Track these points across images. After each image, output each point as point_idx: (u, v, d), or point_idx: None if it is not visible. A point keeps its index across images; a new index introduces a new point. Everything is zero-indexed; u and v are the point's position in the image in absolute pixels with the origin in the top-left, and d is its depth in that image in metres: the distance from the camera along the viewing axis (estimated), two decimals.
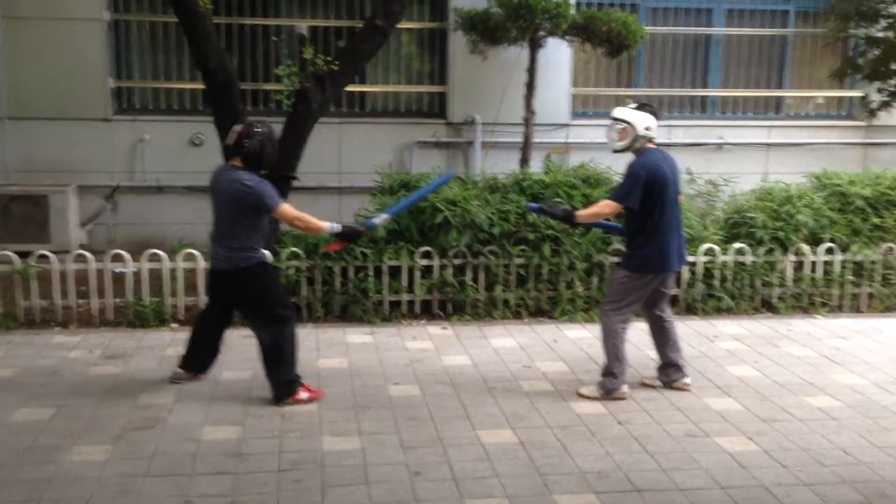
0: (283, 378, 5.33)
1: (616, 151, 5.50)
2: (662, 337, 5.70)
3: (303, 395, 5.34)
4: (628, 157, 5.50)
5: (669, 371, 5.70)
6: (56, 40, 9.44)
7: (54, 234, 8.91)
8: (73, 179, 9.46)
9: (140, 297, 7.07)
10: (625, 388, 5.51)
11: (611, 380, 5.49)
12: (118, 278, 7.26)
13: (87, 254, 7.10)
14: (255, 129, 5.20)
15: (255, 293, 5.31)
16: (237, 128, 5.26)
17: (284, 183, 5.54)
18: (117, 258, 7.07)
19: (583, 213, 5.58)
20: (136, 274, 7.10)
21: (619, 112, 5.43)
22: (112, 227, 9.72)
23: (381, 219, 5.79)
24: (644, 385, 5.72)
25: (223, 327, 5.65)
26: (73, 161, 9.55)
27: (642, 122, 5.33)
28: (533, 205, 6.00)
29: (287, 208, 5.23)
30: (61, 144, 9.55)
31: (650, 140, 5.39)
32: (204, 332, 5.64)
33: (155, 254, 7.13)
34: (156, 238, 9.36)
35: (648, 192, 5.26)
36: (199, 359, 5.68)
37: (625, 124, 5.36)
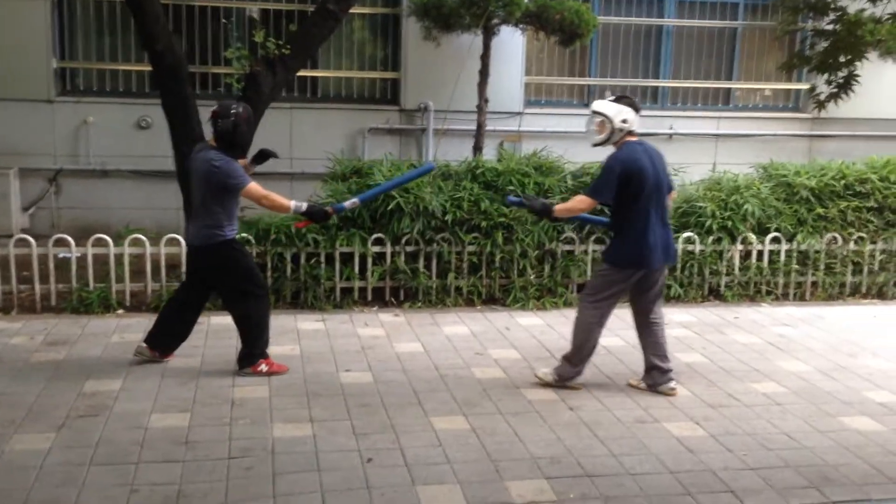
0: (247, 349, 5.49)
1: (595, 145, 5.37)
2: (647, 340, 5.54)
3: (262, 367, 5.49)
4: (581, 147, 5.50)
5: (654, 374, 5.52)
6: None
7: None
8: (14, 162, 9.22)
9: (85, 283, 6.91)
10: (579, 380, 5.51)
11: (568, 368, 5.47)
12: (61, 264, 7.10)
13: (30, 238, 6.91)
14: (231, 110, 5.23)
15: (225, 269, 5.43)
16: (214, 107, 5.29)
17: (262, 159, 5.59)
18: (61, 243, 6.89)
19: (560, 208, 5.45)
20: (81, 259, 6.93)
21: (596, 105, 5.32)
22: (55, 211, 9.50)
23: (350, 202, 5.72)
24: (630, 386, 5.58)
25: (197, 308, 5.67)
26: (15, 143, 9.30)
27: (619, 114, 5.21)
28: (512, 198, 5.88)
29: (254, 187, 5.26)
30: (2, 126, 9.29)
31: (630, 133, 5.26)
32: (175, 310, 5.65)
33: (100, 238, 6.97)
34: (101, 223, 9.18)
35: (625, 185, 5.13)
36: (166, 337, 5.65)
37: (602, 117, 5.25)
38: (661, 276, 5.48)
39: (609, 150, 5.38)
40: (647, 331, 5.53)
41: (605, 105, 5.29)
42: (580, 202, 5.35)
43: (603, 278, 5.40)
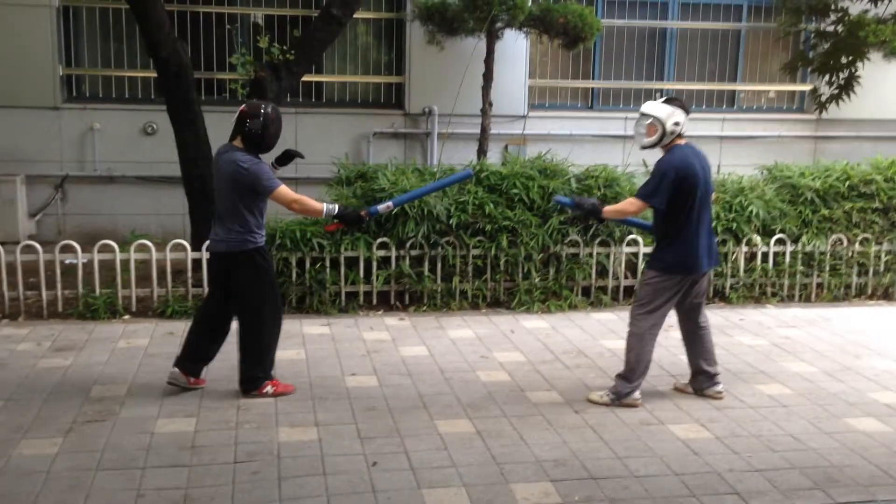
0: (252, 371, 5.22)
1: (644, 148, 5.25)
2: (695, 345, 5.44)
3: (268, 388, 5.23)
4: (585, 150, 5.48)
5: (700, 378, 5.44)
6: (3, 26, 9.23)
7: (2, 225, 8.73)
8: (21, 169, 9.27)
9: (91, 289, 6.94)
10: (637, 395, 5.27)
11: (625, 384, 5.25)
12: (68, 270, 7.13)
13: (36, 245, 6.94)
14: (261, 109, 4.98)
15: (247, 279, 5.14)
16: (242, 106, 5.03)
17: (286, 160, 5.36)
18: (67, 249, 6.93)
19: (609, 209, 5.30)
20: (88, 265, 6.97)
21: (647, 107, 5.15)
22: (61, 217, 9.54)
23: (384, 206, 5.52)
24: (676, 390, 5.55)
25: (226, 325, 5.34)
26: (22, 150, 9.35)
27: (671, 116, 5.06)
28: (561, 198, 5.71)
29: (284, 190, 5.03)
30: (9, 133, 9.34)
31: (680, 136, 5.13)
32: (204, 328, 5.32)
33: (106, 244, 7.00)
34: (107, 229, 9.23)
35: (677, 190, 5.01)
36: (199, 361, 5.35)
37: (653, 119, 5.09)
38: (707, 280, 5.42)
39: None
40: (696, 336, 5.44)
41: (656, 107, 5.12)
42: (630, 204, 5.20)
43: (653, 287, 5.19)
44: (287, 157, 5.37)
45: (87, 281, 6.98)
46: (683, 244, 5.11)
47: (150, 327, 6.69)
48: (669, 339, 6.65)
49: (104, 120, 9.54)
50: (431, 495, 4.05)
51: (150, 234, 8.71)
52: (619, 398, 5.25)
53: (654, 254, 5.29)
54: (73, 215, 9.56)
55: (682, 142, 5.16)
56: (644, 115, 5.16)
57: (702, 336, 5.44)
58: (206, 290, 5.64)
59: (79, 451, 4.45)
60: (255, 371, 5.23)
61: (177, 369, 5.31)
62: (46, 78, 9.38)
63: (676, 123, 5.08)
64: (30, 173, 9.31)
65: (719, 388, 5.44)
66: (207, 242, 5.39)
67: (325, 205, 5.17)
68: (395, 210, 6.94)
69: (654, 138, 5.13)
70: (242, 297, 5.19)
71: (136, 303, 7.04)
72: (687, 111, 5.14)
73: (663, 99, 5.23)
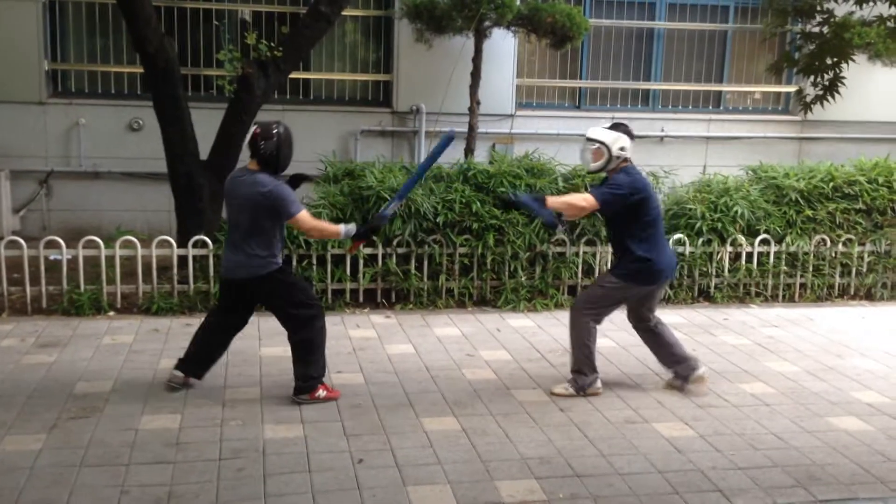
0: (308, 373, 5.15)
1: (590, 172, 5.36)
2: (657, 344, 5.59)
3: (321, 392, 5.17)
4: (572, 150, 5.51)
5: (679, 369, 5.55)
6: None
7: None
8: (5, 164, 9.21)
9: (76, 285, 6.91)
10: (598, 384, 5.43)
11: (581, 377, 5.40)
12: (52, 266, 7.10)
13: (20, 240, 6.91)
14: (272, 131, 4.92)
15: (279, 297, 5.11)
16: (254, 128, 4.97)
17: (297, 183, 5.25)
18: (51, 245, 6.89)
19: (556, 199, 5.22)
20: (72, 261, 6.94)
21: (592, 132, 5.26)
22: (46, 213, 9.48)
23: (392, 207, 5.50)
24: (668, 387, 5.61)
25: (233, 334, 5.36)
26: (6, 145, 9.29)
27: (616, 141, 5.18)
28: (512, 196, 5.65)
29: (306, 216, 4.97)
30: None
31: (625, 160, 5.24)
32: (215, 335, 5.31)
33: (91, 240, 6.97)
34: (92, 225, 9.18)
35: (638, 206, 5.15)
36: (205, 364, 5.33)
37: (598, 144, 5.20)
38: (661, 291, 5.58)
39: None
40: (654, 335, 5.57)
41: (601, 132, 5.22)
42: (583, 199, 5.18)
43: (609, 290, 5.35)
44: (298, 180, 5.26)
45: (72, 277, 6.95)
46: (653, 257, 5.24)
47: (135, 324, 6.67)
48: None
49: (90, 115, 9.49)
50: (417, 492, 4.06)
51: (136, 230, 8.68)
52: (583, 390, 5.40)
53: (624, 264, 5.33)
54: (58, 211, 9.51)
55: (628, 165, 5.27)
56: (590, 140, 5.25)
57: (661, 331, 5.57)
58: (217, 302, 5.56)
59: (63, 447, 4.44)
60: (313, 372, 5.16)
61: (180, 373, 5.28)
62: (32, 73, 9.32)
63: (622, 148, 5.20)
64: (14, 168, 9.24)
65: (701, 370, 5.53)
66: (222, 265, 5.27)
67: (342, 227, 5.13)
68: (367, 206, 7.06)
69: (600, 163, 5.23)
70: (281, 313, 5.16)
71: (121, 299, 7.02)
72: (632, 137, 5.26)
73: (609, 125, 5.32)
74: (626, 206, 5.15)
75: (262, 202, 4.89)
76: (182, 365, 5.30)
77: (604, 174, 5.39)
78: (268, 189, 4.87)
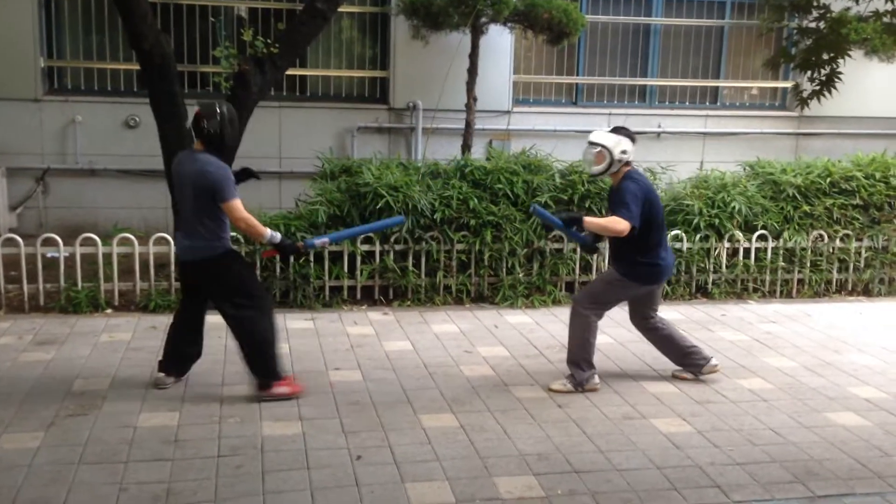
0: (261, 373, 5.11)
1: (593, 175, 5.48)
2: (664, 341, 5.68)
3: (281, 388, 5.10)
4: (569, 146, 5.54)
5: (688, 360, 5.64)
6: None
7: None
8: (1, 162, 9.20)
9: (73, 283, 6.90)
10: (596, 379, 5.46)
11: (579, 372, 5.44)
12: (49, 263, 7.09)
13: (17, 238, 6.89)
14: (215, 110, 4.92)
15: (223, 283, 5.06)
16: (196, 109, 4.96)
17: (244, 177, 5.21)
18: (49, 242, 6.88)
19: (592, 222, 5.29)
20: (70, 259, 6.93)
21: (595, 136, 5.33)
22: (43, 210, 9.46)
23: (321, 241, 5.52)
24: (675, 377, 5.70)
25: (201, 321, 5.32)
26: (2, 142, 9.27)
27: (618, 145, 5.25)
28: (548, 215, 5.63)
29: (238, 205, 4.90)
30: None
31: (627, 164, 5.32)
32: (183, 331, 5.30)
33: (88, 238, 6.96)
34: (89, 222, 9.17)
35: (649, 208, 5.25)
36: (183, 362, 5.35)
37: (601, 148, 5.26)
38: (660, 290, 5.72)
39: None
40: (657, 330, 5.66)
41: (603, 136, 5.31)
42: (617, 223, 5.16)
43: (610, 287, 5.44)
44: (245, 174, 5.25)
45: (69, 274, 6.94)
46: (655, 257, 5.37)
47: (132, 321, 6.66)
48: None
49: (86, 112, 9.47)
50: (415, 489, 4.06)
51: (133, 227, 8.66)
52: (581, 385, 5.43)
53: (623, 262, 5.41)
54: (55, 208, 9.49)
55: (628, 169, 5.36)
56: (592, 143, 5.32)
57: (664, 326, 5.69)
58: (180, 293, 5.52)
59: (61, 444, 4.43)
60: (263, 373, 5.11)
61: (163, 374, 5.28)
62: (28, 70, 9.29)
63: (624, 152, 5.28)
64: (11, 166, 9.23)
65: (714, 361, 5.66)
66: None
67: (269, 231, 5.05)
68: (364, 202, 7.11)
69: (602, 166, 5.31)
70: (223, 301, 5.09)
71: (119, 297, 7.01)
72: (633, 140, 5.33)
73: (611, 128, 5.43)
74: (646, 208, 5.25)
75: (202, 182, 4.87)
76: (162, 365, 5.32)
77: (607, 178, 5.48)
78: (211, 170, 4.86)
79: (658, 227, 5.38)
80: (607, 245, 5.76)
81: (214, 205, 4.92)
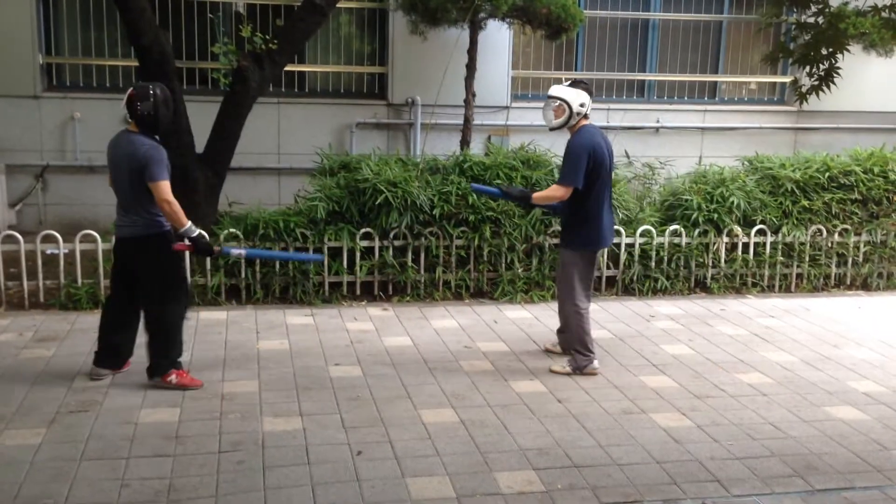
0: (159, 355, 5.19)
1: (552, 129, 5.63)
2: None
3: (172, 377, 5.17)
4: (567, 141, 5.56)
5: (561, 337, 6.02)
6: None
7: None
8: (0, 158, 9.18)
9: (73, 279, 6.91)
10: (595, 364, 5.64)
11: (580, 357, 5.62)
12: (49, 260, 7.09)
13: (17, 234, 6.90)
14: (149, 91, 4.97)
15: (151, 264, 5.15)
16: (129, 90, 5.01)
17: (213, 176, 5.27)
18: (48, 239, 6.88)
19: (539, 195, 5.64)
20: (69, 255, 6.93)
21: (554, 90, 5.53)
22: (42, 207, 9.46)
23: (237, 252, 5.69)
24: (546, 350, 6.01)
25: (136, 309, 5.29)
26: (1, 139, 9.26)
27: (577, 98, 5.45)
28: (485, 187, 6.04)
29: (165, 186, 4.93)
30: None
31: (585, 116, 5.51)
32: (110, 319, 5.32)
33: (88, 234, 6.96)
34: (88, 219, 9.17)
35: (588, 169, 5.39)
36: (116, 352, 5.35)
37: (560, 101, 5.47)
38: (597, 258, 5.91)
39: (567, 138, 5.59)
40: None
41: (563, 90, 5.48)
42: (557, 190, 5.49)
43: (570, 267, 5.62)
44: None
45: (69, 271, 6.94)
46: (594, 221, 5.53)
47: None
48: (652, 328, 6.72)
49: (85, 109, 9.46)
50: (415, 484, 4.07)
51: None
52: (580, 369, 5.60)
53: (568, 234, 5.62)
54: (54, 205, 9.49)
55: (586, 122, 5.53)
56: (552, 97, 5.52)
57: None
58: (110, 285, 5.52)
59: (62, 441, 4.44)
60: (161, 357, 5.19)
61: (96, 367, 5.33)
62: (26, 66, 9.28)
63: (582, 105, 5.47)
64: (10, 163, 9.22)
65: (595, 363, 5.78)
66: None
67: (189, 223, 5.07)
68: (363, 199, 7.15)
69: (562, 119, 5.50)
70: (145, 282, 5.18)
71: None
72: (591, 94, 5.55)
73: (569, 82, 5.58)
74: (589, 167, 5.37)
75: (135, 163, 4.95)
76: (96, 357, 5.34)
77: (566, 132, 5.62)
78: (143, 150, 4.94)
79: (597, 188, 5.46)
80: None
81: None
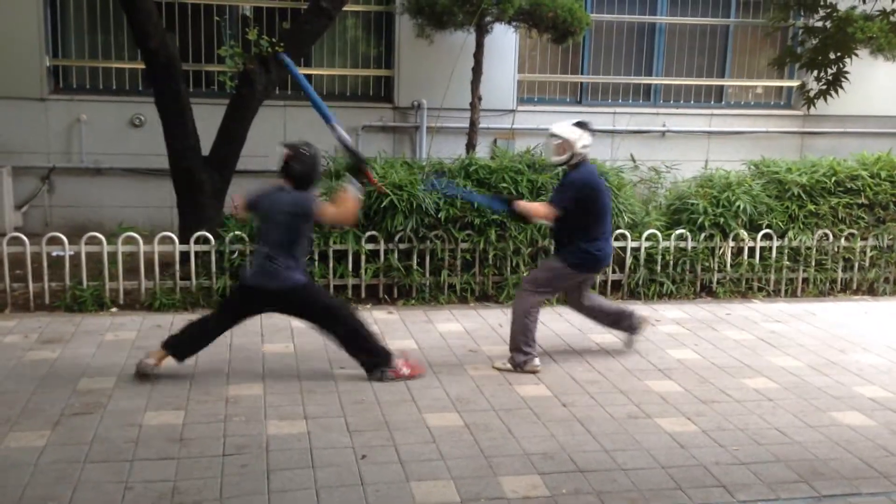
0: (365, 357, 5.46)
1: (553, 165, 5.85)
2: (602, 313, 6.14)
3: (403, 370, 5.49)
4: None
5: (624, 320, 6.16)
6: None
7: None
8: (7, 160, 9.21)
9: (79, 281, 6.92)
10: (537, 361, 5.74)
11: (519, 355, 5.73)
12: (55, 262, 7.10)
13: (23, 236, 6.91)
14: (302, 152, 5.24)
15: (315, 303, 5.42)
16: (284, 151, 5.25)
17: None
18: (54, 241, 6.90)
19: (523, 205, 5.81)
20: (75, 257, 6.94)
21: (557, 129, 5.65)
22: (48, 209, 9.48)
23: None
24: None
25: (227, 329, 5.56)
26: (8, 141, 9.29)
27: (580, 140, 5.58)
28: (435, 182, 6.27)
29: (325, 207, 5.29)
30: None
31: (585, 157, 5.67)
32: (210, 331, 5.46)
33: (94, 236, 6.97)
34: (94, 221, 9.19)
35: (584, 200, 5.57)
36: (189, 348, 5.47)
37: (562, 140, 5.60)
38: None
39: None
40: (597, 310, 6.12)
41: (566, 129, 5.62)
42: (544, 206, 5.70)
43: (553, 273, 5.78)
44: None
45: (75, 273, 6.96)
46: (597, 247, 5.69)
47: (137, 320, 6.67)
48: (658, 332, 6.70)
49: (91, 111, 9.48)
50: (420, 488, 4.06)
51: (138, 226, 8.63)
52: (521, 366, 5.72)
53: (565, 251, 5.75)
54: (60, 207, 9.51)
55: (583, 161, 5.69)
56: (554, 135, 5.64)
57: (597, 305, 6.14)
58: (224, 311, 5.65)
59: (66, 443, 4.44)
60: (378, 352, 5.48)
61: (163, 350, 5.37)
62: (33, 69, 9.31)
63: (584, 146, 5.63)
64: (16, 165, 9.24)
65: (638, 317, 6.17)
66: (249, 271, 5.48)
67: (350, 189, 5.33)
68: (368, 202, 7.14)
69: (563, 157, 5.65)
70: (319, 318, 5.43)
71: (124, 295, 7.02)
72: (593, 134, 5.73)
73: (574, 122, 5.70)
74: (577, 201, 5.56)
75: (298, 208, 5.21)
76: (171, 343, 5.41)
77: (564, 167, 5.79)
78: (306, 199, 5.25)
79: (597, 217, 5.66)
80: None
81: (309, 227, 5.35)
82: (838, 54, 5.61)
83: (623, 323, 6.16)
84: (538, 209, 5.75)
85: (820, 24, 5.70)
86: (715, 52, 11.09)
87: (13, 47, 9.19)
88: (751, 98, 11.41)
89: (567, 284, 5.90)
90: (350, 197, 5.30)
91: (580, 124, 5.65)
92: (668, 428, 4.87)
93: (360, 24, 10.25)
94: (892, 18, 5.63)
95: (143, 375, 5.32)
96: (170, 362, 5.40)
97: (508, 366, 5.75)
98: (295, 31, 7.61)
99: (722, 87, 11.18)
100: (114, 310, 6.91)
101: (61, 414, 4.81)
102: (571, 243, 5.69)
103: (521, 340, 5.72)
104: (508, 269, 7.49)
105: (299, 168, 5.21)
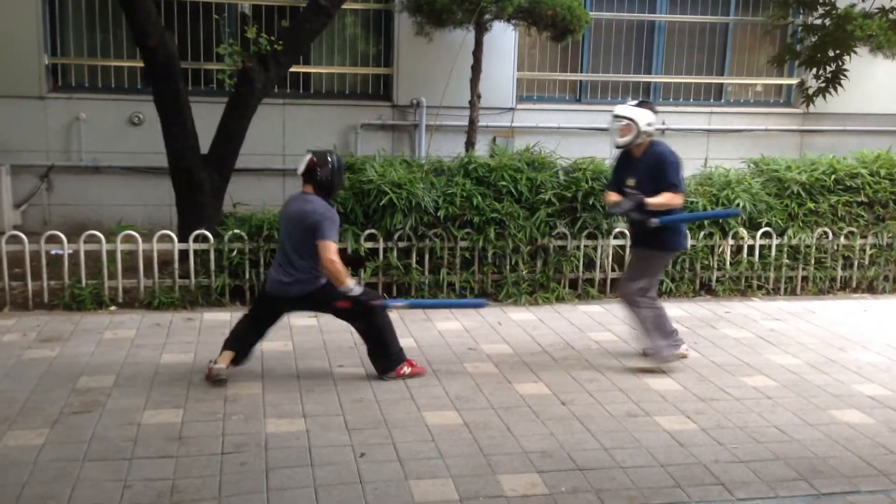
0: (382, 355, 5.52)
1: (618, 147, 5.74)
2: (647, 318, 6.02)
3: (405, 369, 5.51)
4: (573, 143, 5.61)
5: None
6: None
7: None
8: (5, 159, 9.21)
9: (77, 280, 6.91)
10: (684, 347, 5.84)
11: (666, 349, 5.73)
12: (53, 260, 7.10)
13: (22, 235, 6.90)
14: (327, 158, 5.31)
15: (329, 308, 5.47)
16: (309, 157, 5.31)
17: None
18: (53, 239, 6.89)
19: (654, 202, 5.54)
20: (73, 256, 6.93)
21: (621, 109, 5.65)
22: (47, 207, 9.48)
23: (398, 304, 6.01)
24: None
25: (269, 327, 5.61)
26: (6, 140, 9.28)
27: (644, 118, 5.57)
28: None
29: (332, 247, 5.20)
30: None
31: (650, 135, 5.65)
32: (249, 334, 5.53)
33: (92, 235, 6.97)
34: (93, 219, 9.19)
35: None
36: (243, 346, 5.50)
37: (627, 121, 5.59)
38: None
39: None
40: (651, 306, 5.91)
41: (630, 110, 5.62)
42: (674, 197, 5.58)
43: (656, 264, 5.83)
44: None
45: (74, 272, 6.95)
46: (680, 225, 5.79)
47: (136, 318, 6.67)
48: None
49: (90, 110, 9.48)
50: (419, 486, 4.06)
51: (137, 224, 8.65)
52: (668, 360, 5.76)
53: (658, 236, 5.65)
54: (59, 206, 9.50)
55: (650, 139, 5.69)
56: (619, 117, 5.63)
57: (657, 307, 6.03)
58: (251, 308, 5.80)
59: (65, 442, 4.44)
60: (392, 354, 5.53)
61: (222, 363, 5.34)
62: (32, 67, 9.30)
63: (649, 124, 5.61)
64: (15, 163, 9.24)
65: (683, 347, 5.97)
66: (268, 282, 5.50)
67: (351, 282, 5.29)
68: (367, 200, 7.13)
69: (628, 138, 5.63)
70: (345, 315, 5.50)
71: (123, 294, 7.02)
72: (655, 112, 5.68)
73: (636, 102, 5.72)
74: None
75: (309, 220, 5.22)
76: (235, 347, 5.44)
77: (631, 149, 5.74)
78: (321, 211, 5.23)
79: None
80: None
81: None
82: (837, 52, 5.59)
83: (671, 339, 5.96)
84: (672, 200, 5.59)
85: (819, 21, 5.68)
86: (714, 49, 11.08)
87: (12, 46, 9.19)
88: (750, 96, 11.41)
89: (664, 267, 5.99)
90: (342, 277, 5.23)
91: (643, 103, 5.68)
92: (668, 426, 4.87)
93: (359, 21, 10.24)
94: (891, 16, 5.61)
95: (219, 381, 5.31)
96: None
97: (656, 363, 5.77)
98: (294, 29, 7.60)
99: (721, 84, 11.18)
100: (113, 308, 6.91)
101: (60, 412, 4.81)
102: (662, 225, 5.56)
103: (661, 335, 5.72)
104: (507, 267, 7.48)
105: (322, 175, 5.27)
